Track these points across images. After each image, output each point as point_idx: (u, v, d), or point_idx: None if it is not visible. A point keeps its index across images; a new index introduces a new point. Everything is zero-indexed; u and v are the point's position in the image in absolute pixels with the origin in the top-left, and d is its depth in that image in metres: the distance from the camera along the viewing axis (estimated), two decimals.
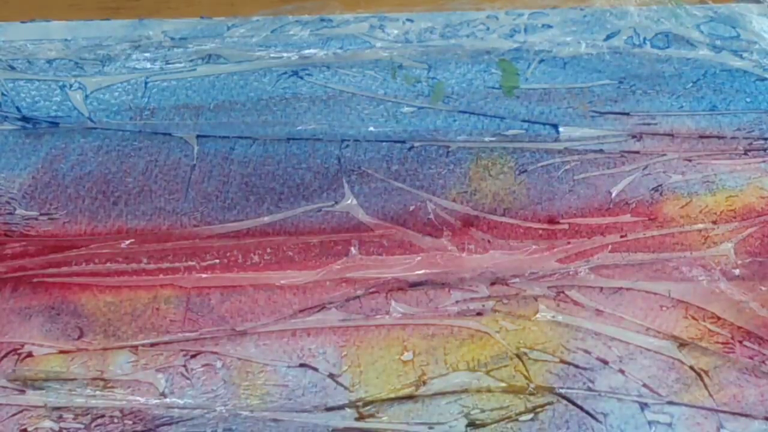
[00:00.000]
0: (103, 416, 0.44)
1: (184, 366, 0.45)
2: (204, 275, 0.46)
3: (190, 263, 0.46)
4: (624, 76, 0.48)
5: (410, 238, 0.46)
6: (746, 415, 0.44)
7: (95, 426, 0.44)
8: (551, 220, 0.46)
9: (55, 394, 0.44)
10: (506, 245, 0.46)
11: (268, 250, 0.46)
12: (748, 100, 0.47)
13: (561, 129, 0.47)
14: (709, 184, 0.47)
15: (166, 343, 0.45)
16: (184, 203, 0.46)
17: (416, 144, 0.47)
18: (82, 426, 0.44)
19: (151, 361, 0.45)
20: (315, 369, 0.45)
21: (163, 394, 0.44)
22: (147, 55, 0.47)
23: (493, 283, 0.46)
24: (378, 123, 0.47)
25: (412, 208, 0.46)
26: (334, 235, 0.46)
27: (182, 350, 0.45)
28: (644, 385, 0.44)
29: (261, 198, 0.46)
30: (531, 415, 0.44)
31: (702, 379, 0.44)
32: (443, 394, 0.44)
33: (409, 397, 0.44)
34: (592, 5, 0.48)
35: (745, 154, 0.47)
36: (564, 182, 0.47)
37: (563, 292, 0.46)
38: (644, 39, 0.48)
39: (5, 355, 0.45)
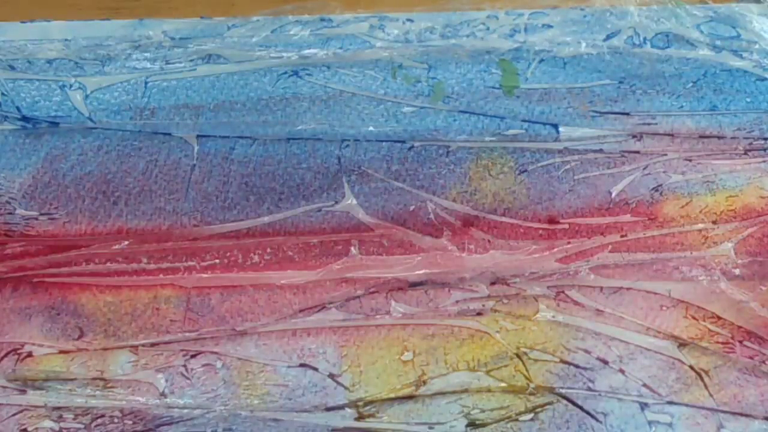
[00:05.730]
0: (103, 416, 0.44)
1: (184, 366, 0.45)
2: (204, 275, 0.46)
3: (190, 263, 0.46)
4: (624, 76, 0.48)
5: (410, 238, 0.46)
6: (746, 415, 0.44)
7: (95, 426, 0.44)
8: (551, 220, 0.46)
9: (55, 394, 0.44)
10: (506, 245, 0.46)
11: (268, 250, 0.46)
12: (748, 100, 0.47)
13: (561, 129, 0.47)
14: (709, 184, 0.47)
15: (166, 343, 0.45)
16: (184, 203, 0.46)
17: (416, 144, 0.47)
18: (82, 426, 0.44)
19: (151, 361, 0.45)
20: (315, 369, 0.45)
21: (163, 394, 0.44)
22: (147, 55, 0.47)
23: (493, 283, 0.46)
24: (378, 123, 0.47)
25: (412, 208, 0.46)
26: (334, 235, 0.46)
27: (182, 350, 0.45)
28: (644, 385, 0.44)
29: (261, 198, 0.46)
30: (531, 415, 0.44)
31: (702, 379, 0.44)
32: (443, 394, 0.44)
33: (409, 397, 0.44)
34: (592, 5, 0.48)
35: (745, 154, 0.47)
36: (564, 182, 0.47)
37: (563, 292, 0.46)
38: (644, 39, 0.48)
39: (5, 355, 0.45)
